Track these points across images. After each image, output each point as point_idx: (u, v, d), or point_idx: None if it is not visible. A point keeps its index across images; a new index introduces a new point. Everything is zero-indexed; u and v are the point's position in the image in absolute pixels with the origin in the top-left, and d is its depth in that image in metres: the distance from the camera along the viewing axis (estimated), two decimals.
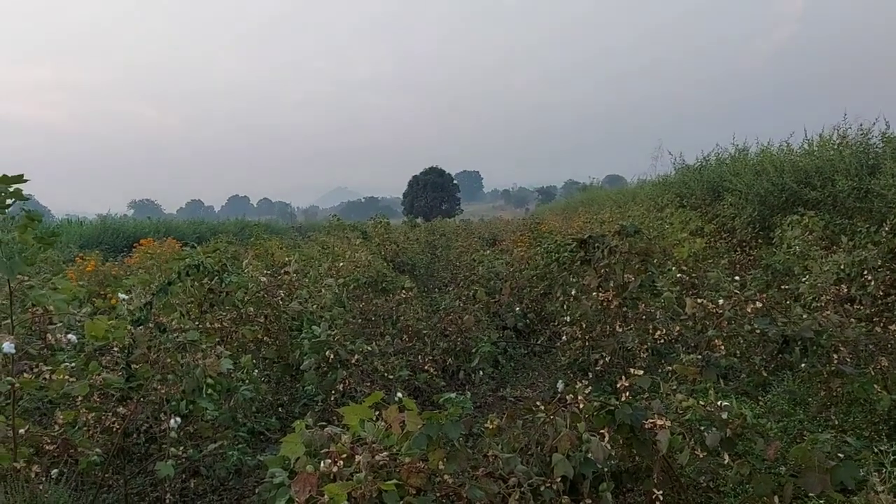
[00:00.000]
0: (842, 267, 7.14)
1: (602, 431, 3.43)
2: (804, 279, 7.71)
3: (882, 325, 5.91)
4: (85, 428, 4.03)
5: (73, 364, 4.21)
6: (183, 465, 4.59)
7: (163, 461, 3.93)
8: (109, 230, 26.37)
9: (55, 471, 3.76)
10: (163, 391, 4.16)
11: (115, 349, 4.36)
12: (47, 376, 3.85)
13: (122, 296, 4.49)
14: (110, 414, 4.09)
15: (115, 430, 4.08)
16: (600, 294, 5.67)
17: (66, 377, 3.93)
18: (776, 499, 3.24)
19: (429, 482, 3.20)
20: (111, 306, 5.62)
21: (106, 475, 4.48)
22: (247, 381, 4.98)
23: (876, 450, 3.70)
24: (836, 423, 4.78)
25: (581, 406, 3.51)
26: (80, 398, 3.99)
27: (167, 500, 4.15)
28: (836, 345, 4.76)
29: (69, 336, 4.24)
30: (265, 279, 7.02)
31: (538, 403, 3.78)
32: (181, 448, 4.19)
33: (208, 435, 4.69)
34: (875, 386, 4.69)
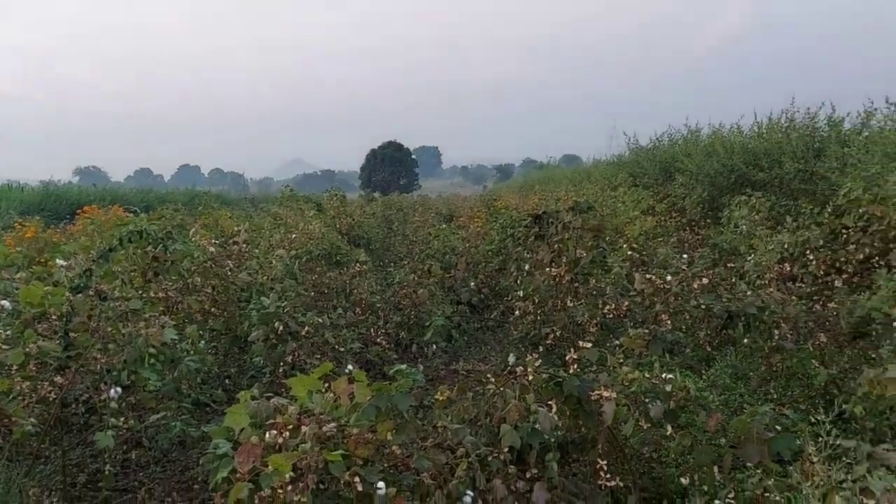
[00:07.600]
0: (786, 246, 7.34)
1: (550, 403, 3.46)
2: (749, 258, 7.92)
3: (821, 303, 6.11)
4: (20, 398, 3.88)
5: (8, 331, 4.04)
6: (124, 437, 4.47)
7: (102, 431, 3.81)
8: (52, 197, 25.40)
9: None
10: (103, 360, 4.03)
11: (53, 317, 4.20)
12: None
13: (60, 262, 4.30)
14: (47, 383, 3.95)
15: (52, 400, 3.94)
16: (553, 269, 5.72)
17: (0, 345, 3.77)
18: (716, 468, 3.33)
19: (377, 453, 3.18)
20: (48, 273, 5.41)
21: (42, 446, 4.34)
22: (192, 352, 4.86)
23: (813, 420, 3.82)
24: (776, 396, 4.93)
25: (530, 378, 3.53)
26: (14, 367, 3.84)
27: (107, 472, 4.03)
28: (777, 321, 4.90)
29: (2, 302, 4.06)
30: (213, 249, 6.84)
31: (489, 376, 3.79)
32: (122, 419, 4.07)
33: (151, 406, 4.57)
34: (813, 361, 4.85)
